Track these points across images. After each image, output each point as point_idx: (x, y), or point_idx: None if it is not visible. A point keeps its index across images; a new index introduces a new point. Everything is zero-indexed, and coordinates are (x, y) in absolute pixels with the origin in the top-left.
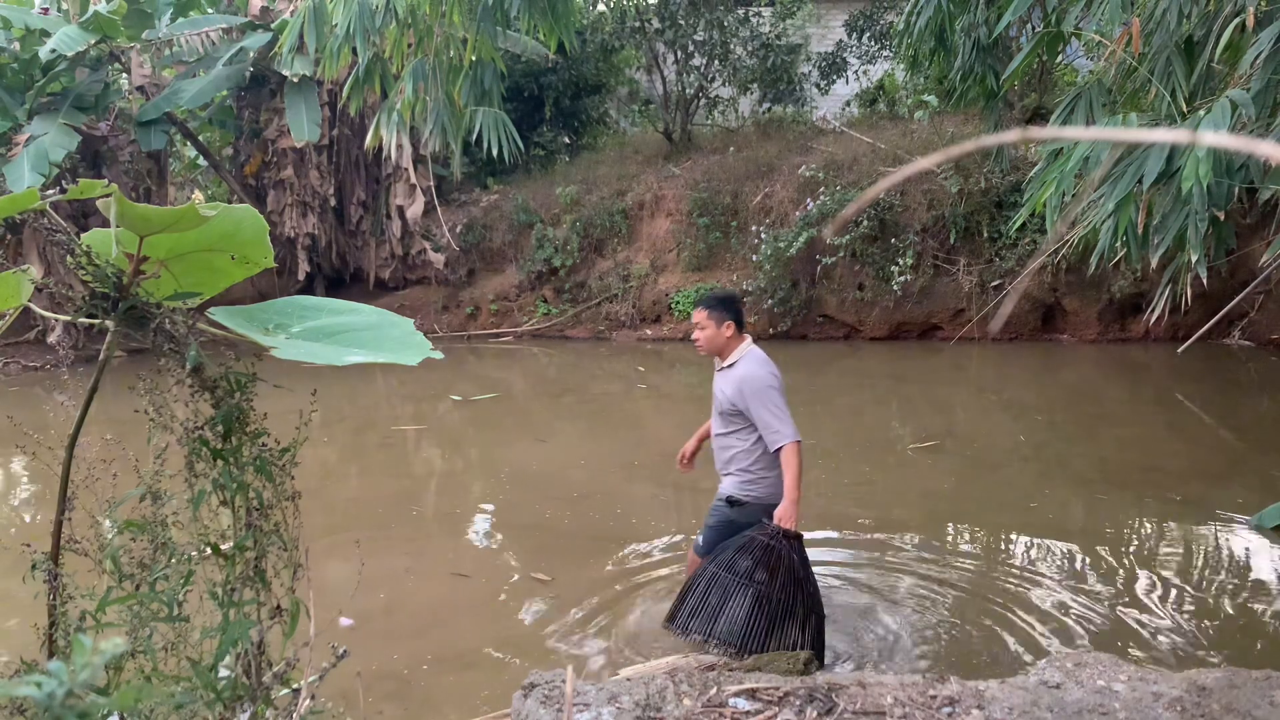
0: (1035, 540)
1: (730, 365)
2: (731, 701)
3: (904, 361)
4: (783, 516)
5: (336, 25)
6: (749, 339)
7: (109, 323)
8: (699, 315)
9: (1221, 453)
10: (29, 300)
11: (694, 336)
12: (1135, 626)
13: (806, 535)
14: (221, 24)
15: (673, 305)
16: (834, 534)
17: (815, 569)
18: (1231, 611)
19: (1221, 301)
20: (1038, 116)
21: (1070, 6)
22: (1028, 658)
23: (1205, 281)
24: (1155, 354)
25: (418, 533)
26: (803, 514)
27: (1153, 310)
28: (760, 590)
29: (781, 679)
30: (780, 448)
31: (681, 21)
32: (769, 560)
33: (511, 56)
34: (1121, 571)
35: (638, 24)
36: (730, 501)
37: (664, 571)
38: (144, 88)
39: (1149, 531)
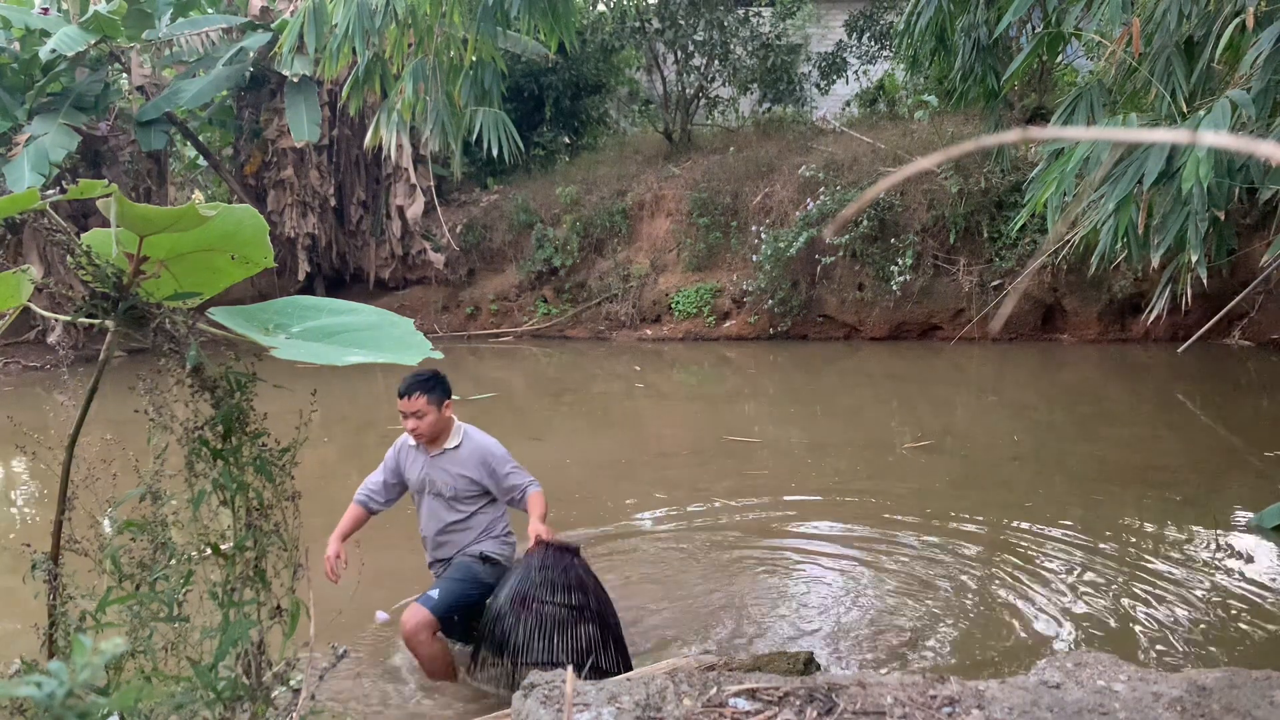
0: (1034, 540)
1: (455, 447)
2: (731, 701)
3: (904, 361)
4: (545, 531)
5: (336, 25)
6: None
7: (109, 323)
8: (418, 402)
9: (1221, 453)
10: (29, 300)
11: (410, 426)
12: (1135, 626)
13: (802, 533)
14: (221, 24)
15: (673, 305)
16: (831, 534)
17: (814, 568)
18: (1231, 611)
19: (1221, 301)
20: (1038, 116)
21: (1070, 7)
22: (1028, 658)
23: (1205, 281)
24: (1155, 354)
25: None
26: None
27: (1152, 310)
28: (588, 610)
29: (781, 679)
30: (533, 494)
31: (681, 21)
32: (574, 580)
33: (511, 56)
34: (1121, 571)
35: (638, 24)
36: (483, 558)
37: (663, 571)
38: (144, 88)
39: (1149, 531)
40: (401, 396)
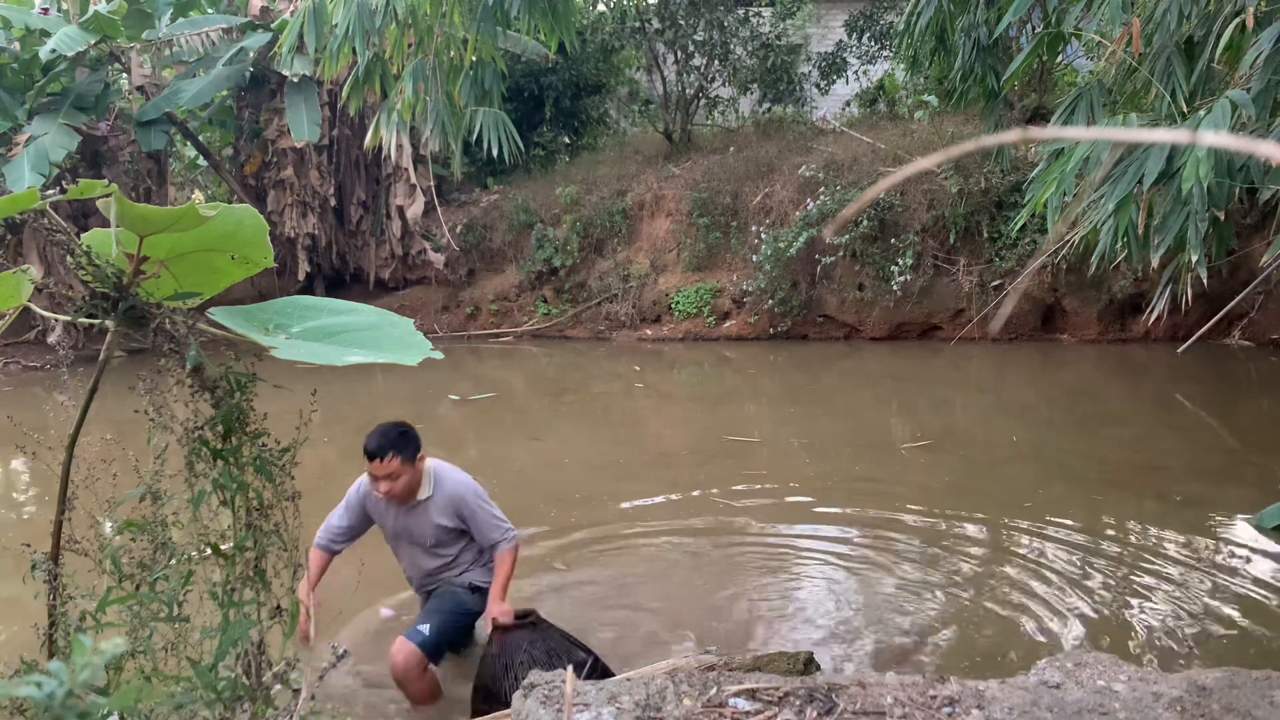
0: (1034, 540)
1: (426, 499)
2: (731, 701)
3: (904, 361)
4: (503, 613)
5: (336, 25)
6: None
7: (109, 323)
8: (392, 464)
9: (1221, 453)
10: (29, 300)
11: (383, 489)
12: (1135, 626)
13: (802, 533)
14: (221, 24)
15: (673, 305)
16: (831, 534)
17: (814, 568)
18: (1231, 611)
19: (1221, 301)
20: (1038, 116)
21: (1070, 7)
22: (1028, 658)
23: (1205, 281)
24: (1155, 354)
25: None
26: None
27: (1153, 310)
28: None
29: (781, 679)
30: (503, 554)
31: (681, 21)
32: (535, 657)
33: (512, 56)
34: (1121, 571)
35: (638, 24)
36: (472, 588)
37: (663, 571)
38: (144, 88)
39: (1149, 531)
40: (372, 458)
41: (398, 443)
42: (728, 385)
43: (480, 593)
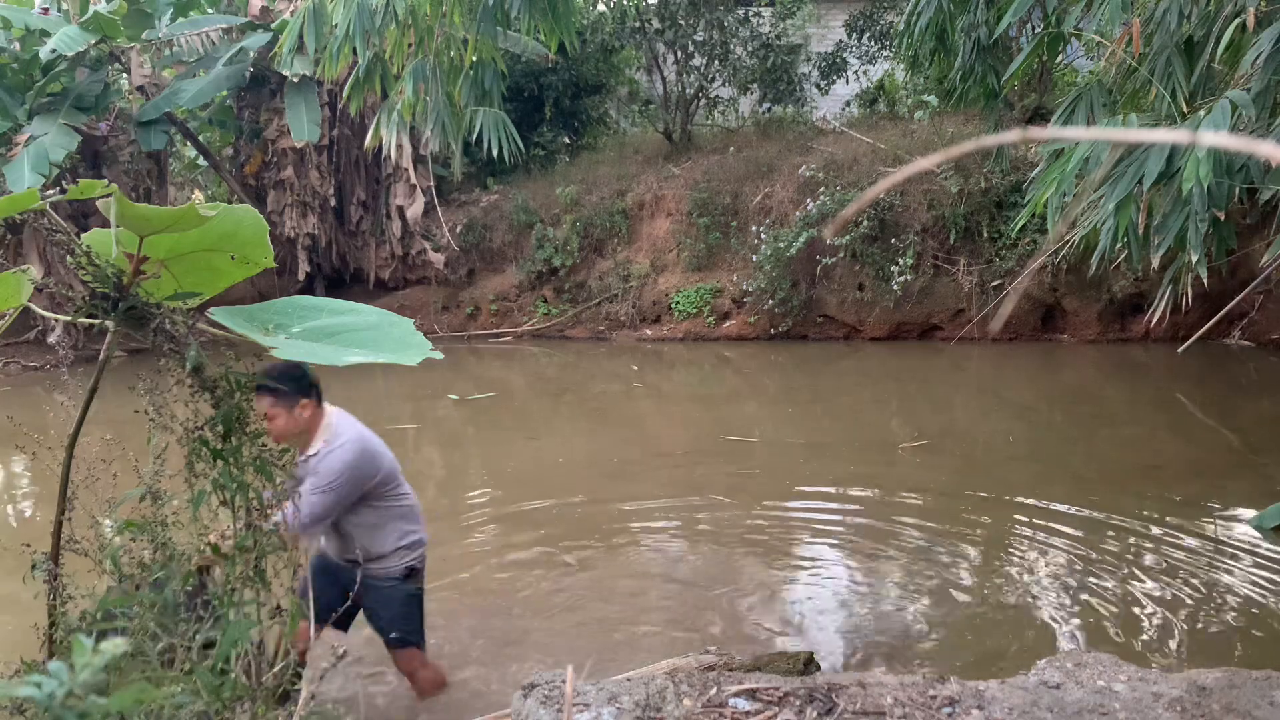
0: (1034, 539)
1: (315, 454)
2: (731, 701)
3: (904, 361)
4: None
5: (336, 26)
6: (328, 409)
7: (109, 323)
8: (263, 404)
9: (1221, 453)
10: (29, 300)
11: (267, 429)
12: (1135, 626)
13: (801, 533)
14: (221, 24)
15: (673, 305)
16: (830, 534)
17: (814, 568)
18: (1231, 611)
19: (1221, 301)
20: (1038, 116)
21: (1070, 7)
22: (1028, 658)
23: (1205, 281)
24: (1155, 354)
25: None
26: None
27: (1153, 310)
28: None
29: (781, 679)
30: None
31: (681, 21)
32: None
33: (511, 56)
34: (1121, 571)
35: (638, 24)
36: (408, 573)
37: (662, 571)
38: (144, 88)
39: (1148, 531)
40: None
41: (270, 384)
42: (727, 385)
43: (415, 573)
